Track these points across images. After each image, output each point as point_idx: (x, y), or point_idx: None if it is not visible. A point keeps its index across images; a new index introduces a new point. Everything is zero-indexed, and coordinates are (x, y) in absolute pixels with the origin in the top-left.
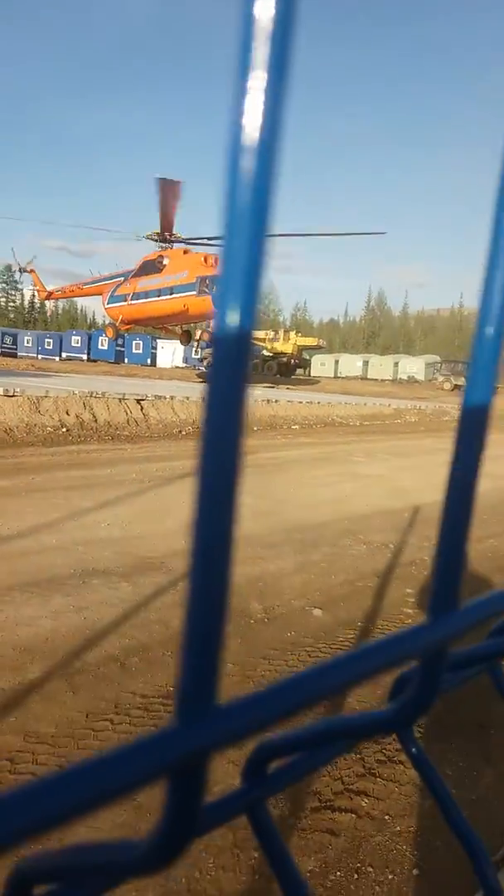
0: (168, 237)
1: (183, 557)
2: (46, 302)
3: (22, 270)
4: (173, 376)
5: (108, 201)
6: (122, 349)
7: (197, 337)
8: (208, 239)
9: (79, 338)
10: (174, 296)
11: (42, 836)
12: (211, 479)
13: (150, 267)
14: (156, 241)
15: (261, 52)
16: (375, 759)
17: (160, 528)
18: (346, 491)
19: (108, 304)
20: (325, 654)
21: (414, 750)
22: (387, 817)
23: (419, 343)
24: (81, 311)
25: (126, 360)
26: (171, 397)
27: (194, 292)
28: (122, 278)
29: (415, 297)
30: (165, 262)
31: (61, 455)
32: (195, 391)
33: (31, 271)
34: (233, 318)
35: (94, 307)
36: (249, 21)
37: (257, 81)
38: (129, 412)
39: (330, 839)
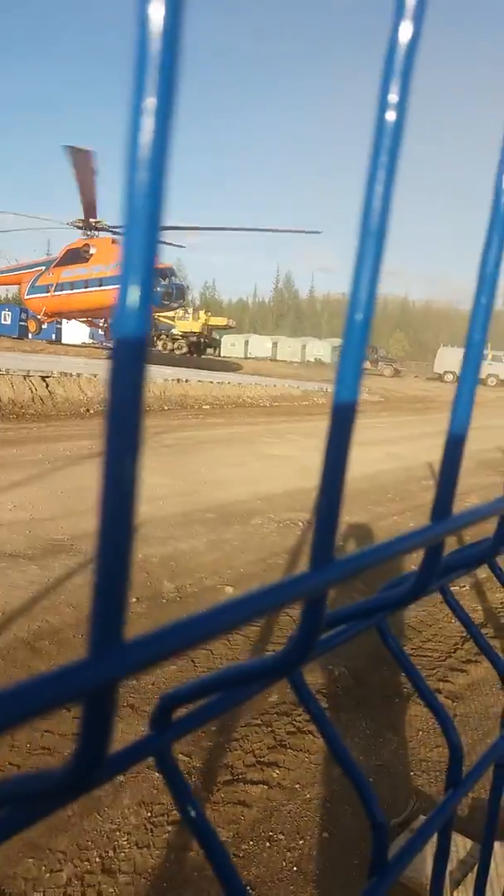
0: (93, 224)
1: (93, 539)
2: None
3: None
4: (81, 353)
5: (21, 180)
6: (26, 324)
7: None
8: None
9: None
10: (104, 287)
11: None
12: (116, 443)
13: (75, 256)
14: (80, 227)
15: (154, 51)
16: (286, 731)
17: (69, 509)
18: (256, 470)
19: (28, 294)
20: (236, 631)
21: (303, 691)
22: (297, 786)
23: (326, 326)
24: None
25: (30, 336)
26: (79, 374)
27: None
28: (44, 267)
29: (321, 281)
30: (92, 251)
31: None
32: (103, 368)
33: None
34: (132, 298)
35: None
36: (145, 18)
37: (151, 79)
38: (34, 390)
39: (242, 810)
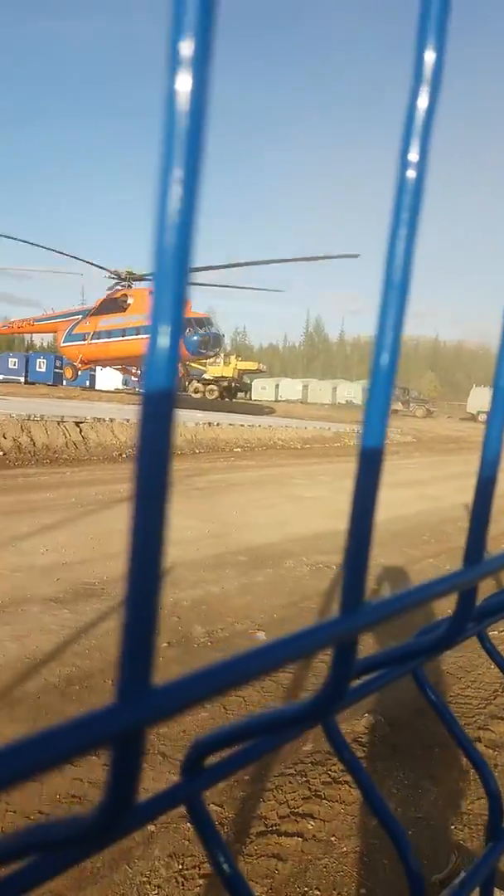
0: (129, 275)
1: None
2: None
3: None
4: (113, 399)
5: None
6: (61, 371)
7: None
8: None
9: (16, 360)
10: (140, 336)
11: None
12: (145, 486)
13: (113, 306)
14: (117, 279)
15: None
16: (321, 781)
17: (100, 553)
18: (288, 513)
19: (64, 342)
20: (268, 676)
21: (336, 738)
22: (333, 839)
23: (356, 368)
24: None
25: (64, 383)
26: (111, 420)
27: None
28: (80, 316)
29: (350, 324)
30: (129, 301)
31: None
32: (135, 413)
33: None
34: (162, 345)
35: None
36: (172, 94)
37: (179, 149)
38: (67, 435)
39: (276, 864)
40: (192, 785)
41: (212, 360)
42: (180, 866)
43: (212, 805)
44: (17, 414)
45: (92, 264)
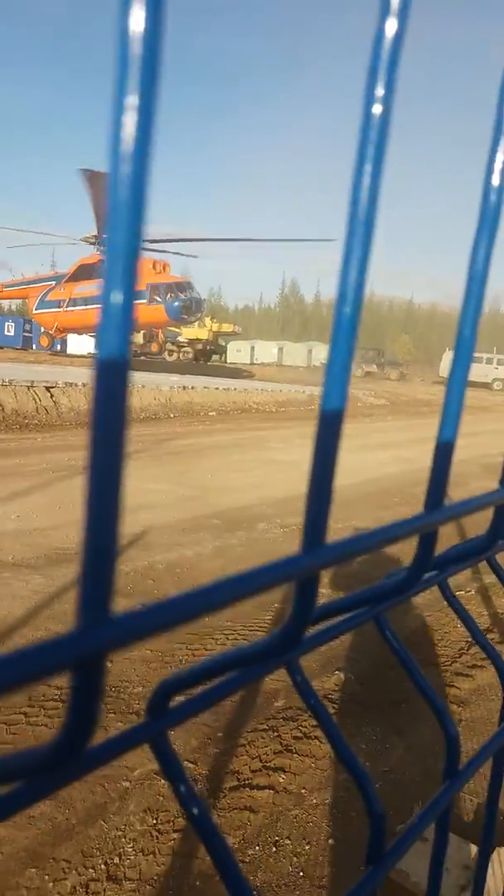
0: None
1: None
2: None
3: None
4: (86, 363)
5: (28, 193)
6: (30, 335)
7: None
8: (152, 241)
9: None
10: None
11: None
12: (102, 443)
13: (89, 271)
14: (93, 244)
15: (134, 72)
16: (292, 736)
17: (73, 519)
18: (262, 476)
19: (37, 309)
20: (242, 636)
21: (299, 679)
22: (303, 791)
23: (330, 331)
24: None
25: (34, 347)
26: (83, 384)
27: (144, 300)
28: (53, 282)
29: (326, 285)
30: None
31: None
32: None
33: None
34: (115, 302)
35: None
36: (125, 37)
37: (131, 98)
38: (38, 400)
39: (249, 816)
40: (157, 724)
41: None
42: (155, 821)
43: (185, 763)
44: None
45: (59, 236)
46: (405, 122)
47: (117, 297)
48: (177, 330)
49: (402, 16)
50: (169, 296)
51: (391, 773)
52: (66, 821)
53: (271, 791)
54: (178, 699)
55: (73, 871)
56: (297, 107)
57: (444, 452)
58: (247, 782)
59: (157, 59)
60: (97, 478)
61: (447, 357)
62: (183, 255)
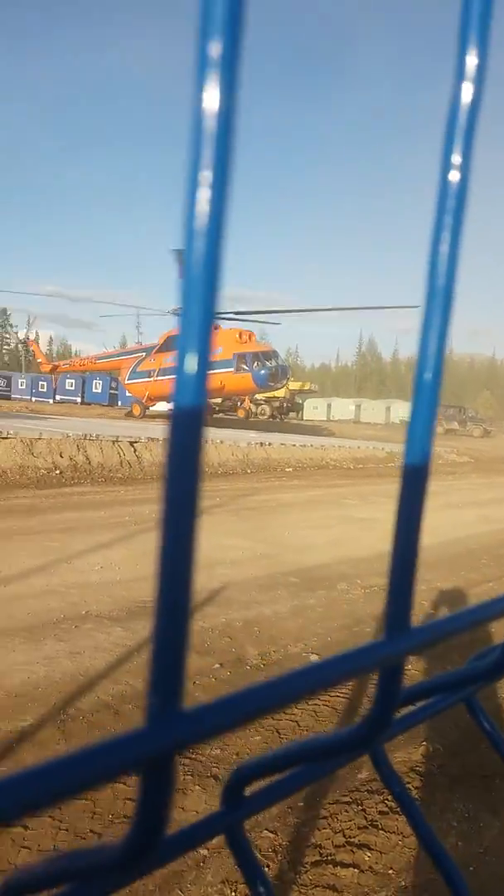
0: None
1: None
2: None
3: (23, 342)
4: (167, 421)
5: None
6: (116, 392)
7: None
8: (236, 314)
9: (73, 381)
10: (208, 372)
11: (29, 816)
12: (174, 509)
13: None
14: (177, 315)
15: (208, 150)
16: (377, 811)
17: (151, 573)
18: (341, 534)
19: (129, 380)
20: (322, 700)
21: (384, 767)
22: (390, 871)
23: (409, 388)
24: (76, 353)
25: (120, 403)
26: (165, 440)
27: (231, 369)
28: (144, 353)
29: (404, 343)
30: None
31: (54, 497)
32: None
33: (31, 342)
34: (190, 366)
35: (89, 350)
36: (199, 119)
37: (207, 154)
38: (122, 454)
39: None
40: (232, 814)
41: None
42: (233, 893)
43: (265, 831)
44: (73, 433)
45: (151, 309)
46: (485, 171)
47: (192, 363)
48: None
49: (479, 80)
50: (255, 364)
51: (486, 855)
52: (143, 887)
53: (356, 870)
54: (256, 786)
55: None
56: (374, 173)
57: None
58: (330, 858)
59: (230, 136)
60: (168, 569)
61: None
62: (268, 323)
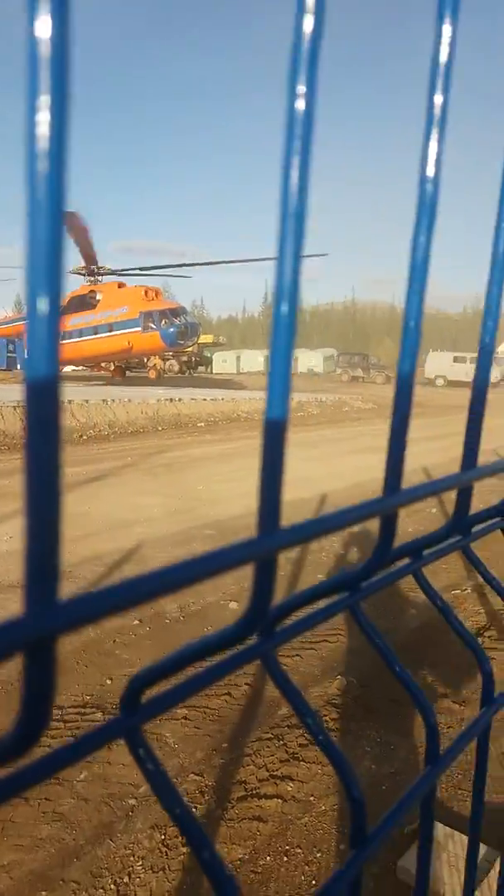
0: (96, 270)
1: (94, 563)
2: None
3: None
4: (69, 381)
5: None
6: (14, 355)
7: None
8: (141, 269)
9: None
10: (114, 333)
11: None
12: (36, 429)
13: (81, 303)
14: (83, 275)
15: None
16: (298, 744)
17: (66, 537)
18: (252, 485)
19: None
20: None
21: (277, 672)
22: (311, 798)
23: (316, 337)
24: None
25: (19, 367)
26: (70, 401)
27: (139, 328)
28: None
29: (309, 292)
30: (98, 297)
31: None
32: (95, 394)
33: None
34: (42, 309)
35: None
36: None
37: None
38: (24, 420)
39: (258, 826)
40: (131, 718)
41: None
42: (163, 836)
43: (191, 775)
44: None
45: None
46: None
47: (42, 306)
48: None
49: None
50: (163, 322)
51: (397, 776)
52: (73, 841)
53: (279, 800)
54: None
55: (84, 893)
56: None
57: (398, 437)
58: (254, 792)
59: (64, 63)
60: (36, 472)
61: (431, 358)
62: (178, 276)
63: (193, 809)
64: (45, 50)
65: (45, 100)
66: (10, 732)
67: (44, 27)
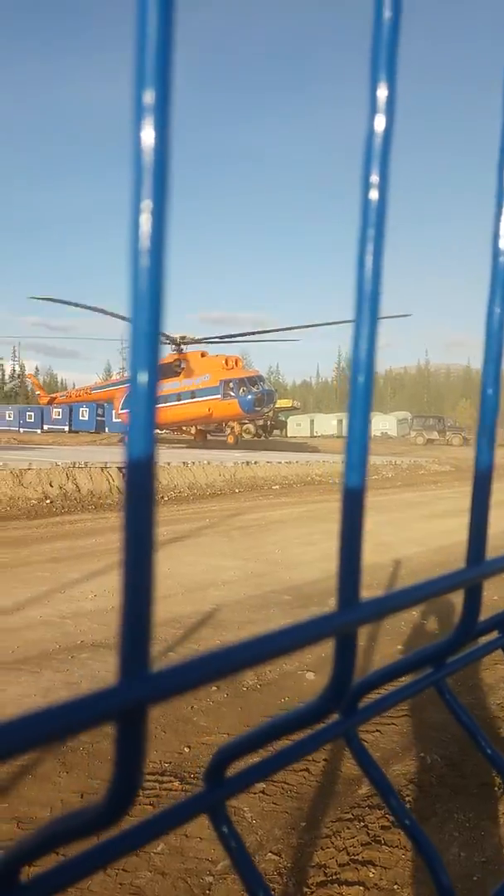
0: (180, 340)
1: (173, 626)
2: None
3: (19, 376)
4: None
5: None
6: (103, 419)
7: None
8: (220, 338)
9: (60, 410)
10: (196, 399)
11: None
12: (134, 499)
13: (167, 371)
14: (167, 343)
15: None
16: (379, 826)
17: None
18: (330, 549)
19: (122, 409)
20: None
21: (356, 747)
22: (395, 887)
23: (390, 401)
24: (62, 383)
25: (107, 430)
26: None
27: (219, 396)
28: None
29: (381, 356)
30: (183, 365)
31: (45, 527)
32: (176, 457)
33: (30, 375)
34: (142, 381)
35: (74, 379)
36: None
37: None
38: (111, 480)
39: None
40: (215, 793)
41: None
42: None
43: (269, 854)
44: (62, 462)
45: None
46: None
47: (142, 379)
48: None
49: (389, 111)
50: (242, 390)
51: (488, 864)
52: None
53: (361, 887)
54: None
55: None
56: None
57: (480, 505)
58: (334, 877)
59: (166, 167)
60: (132, 547)
61: None
62: (253, 341)
63: (272, 892)
64: (148, 158)
65: (147, 204)
66: (102, 801)
67: (148, 136)
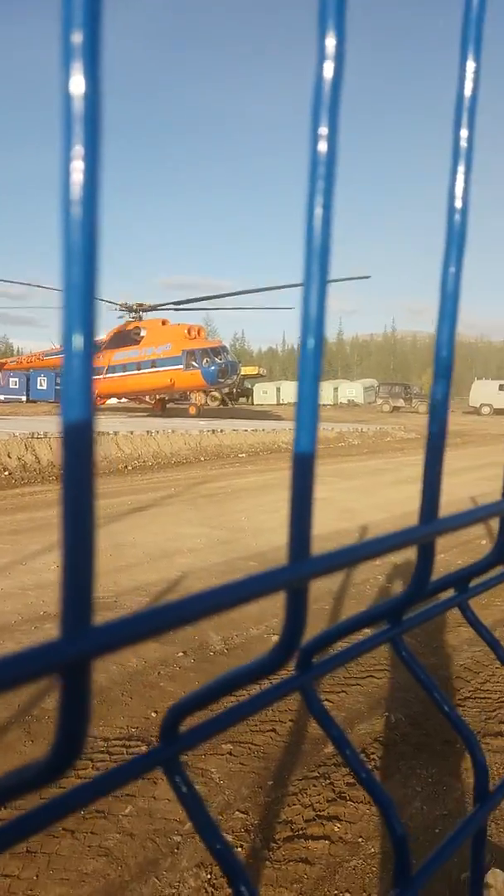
0: (139, 307)
1: (138, 593)
2: None
3: None
4: (117, 412)
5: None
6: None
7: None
8: (175, 304)
9: (17, 379)
10: (157, 369)
11: None
12: (73, 464)
13: (125, 338)
14: (126, 310)
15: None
16: (345, 783)
17: (111, 567)
18: None
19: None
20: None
21: (314, 703)
22: (360, 840)
23: (356, 368)
24: (18, 351)
25: None
26: (115, 433)
27: (181, 366)
28: None
29: (348, 324)
30: (143, 333)
31: (4, 499)
32: (139, 426)
33: None
34: (77, 343)
35: (30, 347)
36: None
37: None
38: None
39: (305, 868)
40: (169, 748)
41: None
42: (209, 875)
43: (236, 812)
44: (20, 433)
45: (101, 300)
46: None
47: (78, 341)
48: None
49: (339, 59)
50: (205, 361)
51: (449, 817)
52: (119, 878)
53: (327, 841)
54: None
55: None
56: None
57: (433, 466)
58: (301, 832)
59: (98, 119)
60: (71, 501)
61: (476, 386)
62: (215, 309)
63: (239, 849)
64: (78, 106)
65: (78, 150)
66: (45, 757)
67: (77, 85)
